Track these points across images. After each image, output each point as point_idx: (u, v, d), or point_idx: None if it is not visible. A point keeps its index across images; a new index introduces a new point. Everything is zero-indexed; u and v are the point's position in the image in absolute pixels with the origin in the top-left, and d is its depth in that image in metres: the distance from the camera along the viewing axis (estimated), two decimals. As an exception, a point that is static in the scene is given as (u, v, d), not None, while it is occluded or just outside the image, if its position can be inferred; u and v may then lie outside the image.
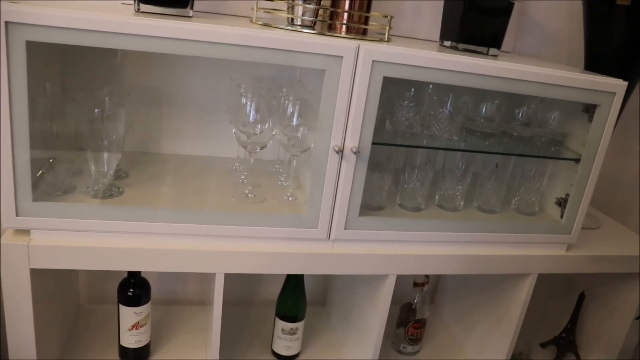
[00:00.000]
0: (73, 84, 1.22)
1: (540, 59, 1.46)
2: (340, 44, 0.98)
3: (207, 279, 1.48)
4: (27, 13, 0.86)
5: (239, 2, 1.29)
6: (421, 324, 1.49)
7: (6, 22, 0.86)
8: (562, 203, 1.30)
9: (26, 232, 1.03)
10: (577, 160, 1.24)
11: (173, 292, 1.59)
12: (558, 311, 1.70)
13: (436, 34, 1.33)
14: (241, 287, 1.63)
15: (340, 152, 1.04)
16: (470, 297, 1.58)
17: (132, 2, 1.04)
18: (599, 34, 1.37)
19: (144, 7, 1.03)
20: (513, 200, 1.37)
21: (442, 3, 1.28)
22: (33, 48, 0.90)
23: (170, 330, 1.44)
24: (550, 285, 1.65)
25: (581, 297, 1.55)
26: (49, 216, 1.01)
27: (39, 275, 1.05)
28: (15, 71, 0.89)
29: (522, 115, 1.31)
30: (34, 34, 0.88)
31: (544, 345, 1.65)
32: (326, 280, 1.67)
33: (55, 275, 1.20)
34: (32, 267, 1.02)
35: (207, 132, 1.37)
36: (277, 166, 1.37)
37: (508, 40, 1.40)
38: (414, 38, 1.42)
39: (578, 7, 1.42)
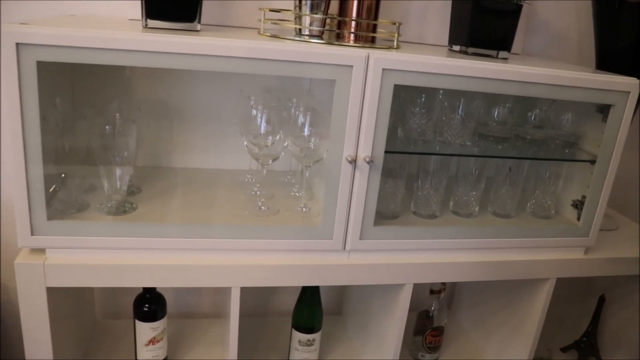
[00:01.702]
0: (83, 100, 1.22)
1: (551, 60, 1.45)
2: (350, 54, 0.98)
3: (221, 291, 1.48)
4: (38, 34, 0.87)
5: (246, 13, 1.29)
6: (439, 331, 1.48)
7: (17, 44, 0.86)
8: (578, 205, 1.29)
9: (41, 250, 1.03)
10: (593, 162, 1.22)
11: (188, 305, 1.59)
12: (578, 314, 1.67)
13: (444, 38, 1.32)
14: (256, 298, 1.62)
15: (353, 162, 1.03)
16: (488, 303, 1.57)
17: (140, 17, 1.04)
18: (610, 32, 1.36)
19: (152, 23, 1.03)
20: (528, 204, 1.36)
21: (449, 6, 1.27)
22: (43, 66, 0.90)
23: (187, 344, 1.44)
24: (569, 288, 1.63)
25: (601, 300, 1.53)
26: (64, 234, 1.01)
27: (55, 293, 1.05)
28: (27, 90, 0.90)
29: (534, 118, 1.30)
30: (44, 54, 0.89)
31: (565, 349, 1.63)
32: (341, 290, 1.66)
33: (71, 292, 1.20)
34: (48, 285, 1.02)
35: (218, 144, 1.37)
36: (289, 177, 1.36)
37: (517, 42, 1.38)
38: (422, 43, 1.41)
39: (587, 6, 1.41)
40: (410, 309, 1.23)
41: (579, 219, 1.28)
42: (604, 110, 1.20)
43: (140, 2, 1.02)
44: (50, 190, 1.06)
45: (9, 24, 0.86)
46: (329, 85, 1.03)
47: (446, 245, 1.19)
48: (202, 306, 1.60)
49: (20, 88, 0.89)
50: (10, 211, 1.39)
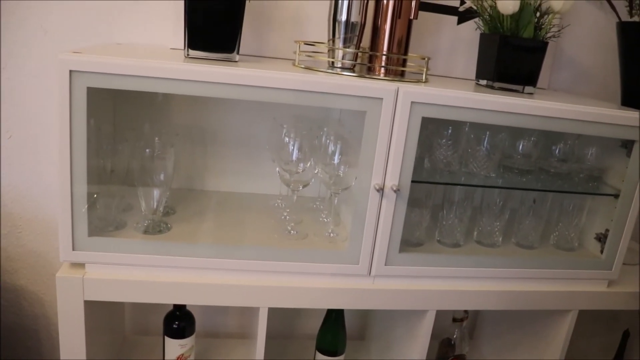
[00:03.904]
0: (124, 124, 1.28)
1: (576, 95, 1.47)
2: (380, 87, 1.02)
3: (247, 312, 1.51)
4: (89, 62, 0.93)
5: (280, 45, 1.35)
6: (460, 359, 1.49)
7: (70, 71, 0.93)
8: (601, 239, 1.30)
9: (81, 265, 1.08)
10: (616, 196, 1.24)
11: (215, 325, 1.63)
12: (602, 349, 1.66)
13: (472, 73, 1.36)
14: (282, 321, 1.65)
15: (381, 190, 1.07)
16: (510, 333, 1.57)
17: (182, 47, 1.10)
18: (635, 69, 1.38)
19: (193, 53, 1.10)
20: (552, 236, 1.37)
21: (477, 41, 1.31)
22: (90, 91, 0.96)
23: (213, 363, 1.47)
24: (593, 322, 1.63)
25: (626, 335, 1.53)
26: (102, 251, 1.06)
27: (90, 307, 1.10)
28: (76, 114, 0.96)
29: (559, 152, 1.32)
30: (94, 81, 0.95)
31: (587, 383, 1.62)
32: (365, 315, 1.68)
33: (104, 307, 1.25)
34: (86, 299, 1.07)
35: (250, 169, 1.42)
36: (318, 203, 1.40)
37: (543, 77, 1.41)
38: (450, 77, 1.45)
39: (613, 42, 1.43)
40: (433, 337, 1.25)
41: (602, 252, 1.29)
42: (627, 145, 1.22)
43: (183, 33, 1.09)
44: (91, 208, 1.11)
45: (63, 53, 0.93)
46: (358, 115, 1.08)
47: (469, 273, 1.21)
48: (229, 326, 1.64)
49: (70, 112, 0.95)
50: (48, 228, 1.46)
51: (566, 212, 1.34)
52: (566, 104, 1.12)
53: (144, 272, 1.09)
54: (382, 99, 1.03)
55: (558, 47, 1.53)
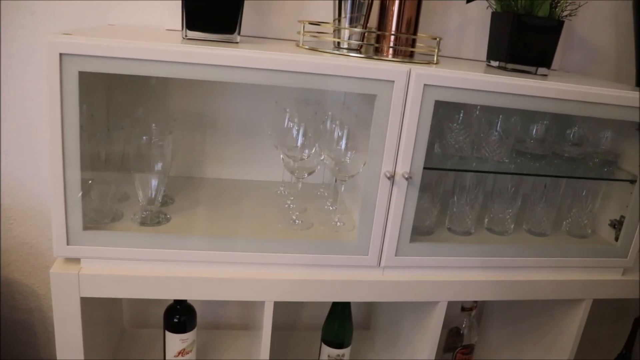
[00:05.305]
0: (118, 110, 1.23)
1: (589, 77, 1.42)
2: (391, 68, 0.97)
3: (250, 303, 1.47)
4: (80, 44, 0.87)
5: (283, 25, 1.29)
6: (469, 349, 1.45)
7: (60, 54, 0.87)
8: (616, 225, 1.26)
9: (76, 260, 1.03)
10: (632, 181, 1.20)
11: (216, 316, 1.59)
12: (612, 337, 1.64)
13: (482, 54, 1.31)
14: (286, 312, 1.62)
15: (392, 178, 1.02)
16: (520, 322, 1.53)
17: (180, 28, 1.04)
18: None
19: (191, 34, 1.04)
20: (564, 223, 1.33)
21: (487, 21, 1.25)
22: (82, 76, 0.90)
23: (214, 356, 1.43)
24: (602, 310, 1.60)
25: (636, 323, 1.49)
26: (98, 245, 1.01)
27: (87, 303, 1.05)
28: (68, 100, 0.90)
29: (573, 136, 1.27)
30: (86, 65, 0.89)
31: (597, 371, 1.59)
32: (370, 304, 1.64)
33: (102, 301, 1.20)
34: (82, 295, 1.02)
35: (251, 156, 1.37)
36: (322, 190, 1.35)
37: (555, 58, 1.36)
38: (459, 58, 1.40)
39: (627, 23, 1.38)
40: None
41: (616, 239, 1.25)
42: (644, 129, 1.17)
43: (180, 13, 1.03)
44: (86, 200, 1.06)
45: (53, 35, 0.87)
46: (363, 99, 1.03)
47: (482, 263, 1.17)
48: (230, 317, 1.60)
49: (61, 98, 0.89)
50: (41, 219, 1.40)
51: (579, 197, 1.30)
52: (582, 85, 1.07)
53: (143, 267, 1.04)
54: (393, 81, 0.97)
55: (570, 27, 1.47)
